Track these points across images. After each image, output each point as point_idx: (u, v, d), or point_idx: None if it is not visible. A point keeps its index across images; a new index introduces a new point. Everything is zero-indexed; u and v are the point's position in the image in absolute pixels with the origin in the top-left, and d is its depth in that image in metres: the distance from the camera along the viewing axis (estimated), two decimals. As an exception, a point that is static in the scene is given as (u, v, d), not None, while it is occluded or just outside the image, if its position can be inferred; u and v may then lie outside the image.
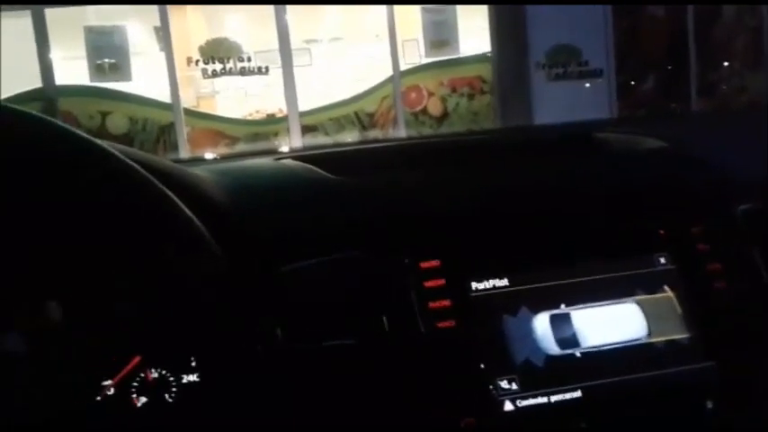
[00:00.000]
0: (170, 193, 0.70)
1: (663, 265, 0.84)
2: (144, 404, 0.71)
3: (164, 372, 0.72)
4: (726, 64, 7.90)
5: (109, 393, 0.71)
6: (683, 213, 0.88)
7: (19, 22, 6.03)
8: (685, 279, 0.83)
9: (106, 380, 0.71)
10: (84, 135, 0.68)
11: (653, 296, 0.82)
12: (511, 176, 0.95)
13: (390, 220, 0.84)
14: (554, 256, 0.83)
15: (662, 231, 0.85)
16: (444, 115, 7.29)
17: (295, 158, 1.00)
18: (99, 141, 0.69)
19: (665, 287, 0.83)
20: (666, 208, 0.89)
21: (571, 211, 0.88)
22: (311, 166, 0.94)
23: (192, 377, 0.72)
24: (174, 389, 0.72)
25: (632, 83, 7.65)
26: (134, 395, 0.71)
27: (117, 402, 0.71)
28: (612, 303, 0.81)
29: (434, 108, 7.27)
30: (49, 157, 0.66)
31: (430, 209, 0.86)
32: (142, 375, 0.72)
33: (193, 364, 0.72)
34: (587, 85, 7.28)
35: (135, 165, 0.69)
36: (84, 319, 0.71)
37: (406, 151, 1.24)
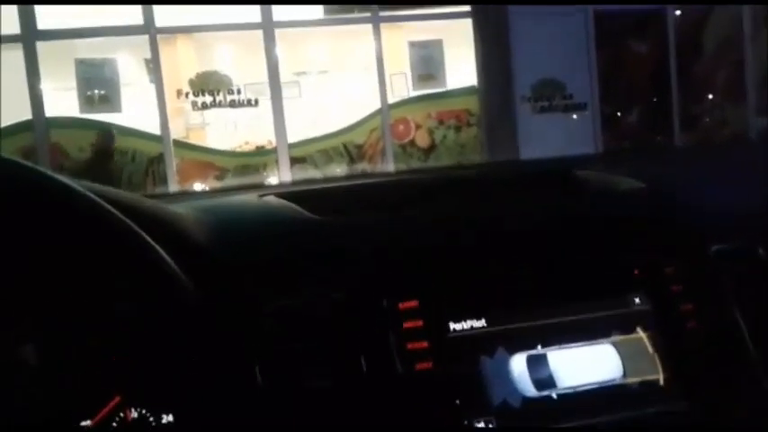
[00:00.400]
0: (136, 228, 0.69)
1: (637, 305, 0.84)
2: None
3: (143, 411, 0.71)
4: (708, 97, 8.03)
5: None
6: (656, 253, 0.88)
7: (10, 54, 6.08)
8: (659, 319, 0.84)
9: (85, 420, 0.71)
10: (42, 170, 0.67)
11: (628, 336, 0.82)
12: (489, 217, 0.95)
13: (370, 260, 0.84)
14: (531, 296, 0.83)
15: (636, 271, 0.86)
16: (432, 147, 7.36)
17: (278, 195, 1.01)
18: (59, 176, 0.68)
19: (640, 328, 0.83)
20: (641, 248, 0.90)
21: (548, 251, 0.88)
22: (293, 205, 0.95)
23: (171, 417, 0.72)
24: (153, 428, 0.71)
25: (616, 116, 7.76)
26: None
27: None
28: (588, 344, 0.81)
29: (422, 140, 7.34)
30: (3, 192, 0.64)
31: (409, 249, 0.87)
32: (122, 415, 0.71)
33: (172, 403, 0.71)
34: (572, 117, 7.39)
35: (98, 199, 0.68)
36: (60, 359, 0.71)
37: (388, 189, 1.24)
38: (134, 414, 0.71)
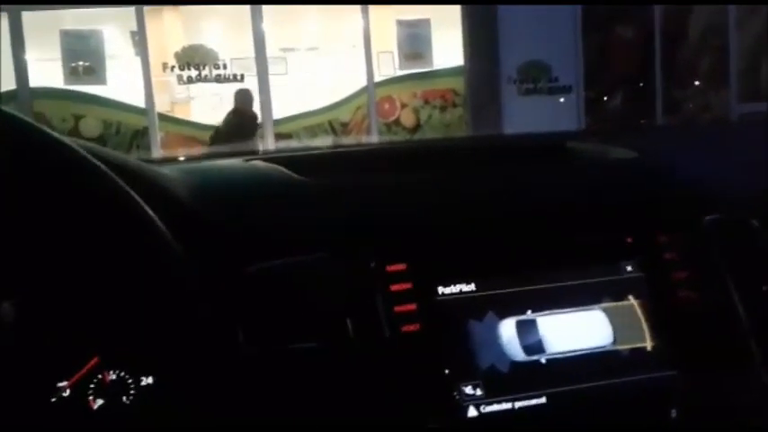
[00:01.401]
0: (129, 190, 0.67)
1: (629, 272, 0.84)
2: (100, 406, 0.69)
3: (122, 374, 0.70)
4: (691, 83, 8.10)
5: (64, 395, 0.69)
6: (650, 222, 0.88)
7: (-6, 24, 6.05)
8: (651, 287, 0.84)
9: (62, 381, 0.69)
10: (37, 125, 0.65)
11: (619, 303, 0.82)
12: (480, 182, 0.95)
13: (358, 223, 0.83)
14: (521, 262, 0.82)
15: (629, 239, 0.86)
16: (417, 126, 7.40)
17: (264, 160, 1.00)
18: (53, 132, 0.67)
19: (631, 295, 0.83)
20: (634, 216, 0.90)
21: (539, 217, 0.88)
22: (280, 167, 0.94)
23: (151, 379, 0.70)
24: (131, 391, 0.70)
25: (600, 99, 7.83)
26: (90, 397, 0.69)
27: (72, 404, 0.69)
28: (578, 310, 0.81)
29: (407, 119, 7.39)
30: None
31: (398, 212, 0.86)
32: (99, 377, 0.69)
33: (152, 365, 0.70)
34: (557, 100, 7.43)
35: (92, 158, 0.66)
36: (37, 317, 0.69)
37: (376, 155, 1.23)
38: (112, 376, 0.70)
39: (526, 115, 7.08)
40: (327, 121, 7.30)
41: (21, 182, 0.64)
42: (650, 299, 0.83)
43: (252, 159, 1.02)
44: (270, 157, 1.01)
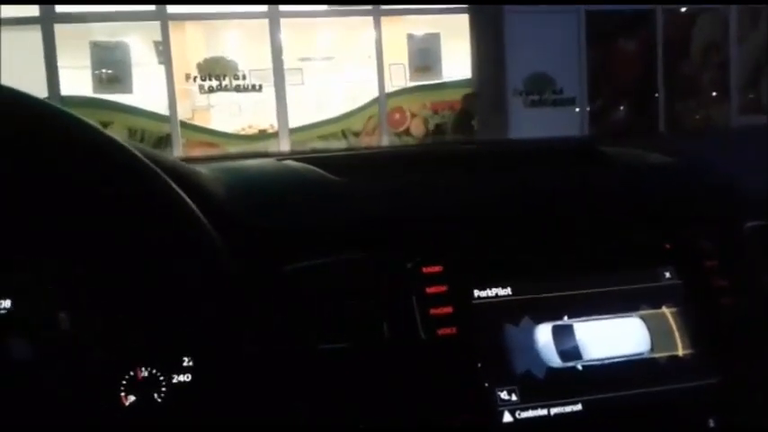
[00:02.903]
0: (176, 187, 0.68)
1: (668, 279, 0.82)
2: (132, 403, 0.68)
3: (154, 371, 0.68)
4: (693, 96, 8.30)
5: (98, 392, 0.68)
6: (690, 228, 0.86)
7: (28, 35, 6.39)
8: (690, 294, 0.82)
9: (97, 378, 0.68)
10: (100, 128, 0.66)
11: (657, 311, 0.81)
12: (518, 186, 0.93)
13: (394, 224, 0.82)
14: (558, 266, 0.81)
15: (668, 245, 0.84)
16: (426, 136, 7.64)
17: (298, 160, 0.98)
18: (114, 136, 0.68)
19: (669, 302, 0.81)
20: (673, 222, 0.88)
21: (577, 222, 0.86)
22: (314, 167, 0.92)
23: (184, 377, 0.69)
24: (164, 388, 0.68)
25: (603, 111, 8.05)
26: (122, 394, 0.68)
27: (105, 401, 0.68)
28: (616, 317, 0.79)
29: (417, 129, 7.64)
30: (41, 134, 0.63)
31: (435, 214, 0.85)
32: (132, 374, 0.68)
33: (186, 363, 0.69)
34: (561, 111, 7.67)
35: (139, 154, 0.67)
36: (90, 323, 0.68)
37: (411, 157, 1.21)
38: (144, 373, 0.69)
39: (531, 126, 7.32)
40: (341, 130, 7.56)
41: (83, 181, 0.65)
42: (689, 306, 0.81)
43: (284, 159, 1.01)
44: (303, 158, 0.99)
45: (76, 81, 6.78)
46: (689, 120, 8.25)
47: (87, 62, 6.81)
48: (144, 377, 0.69)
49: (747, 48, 8.05)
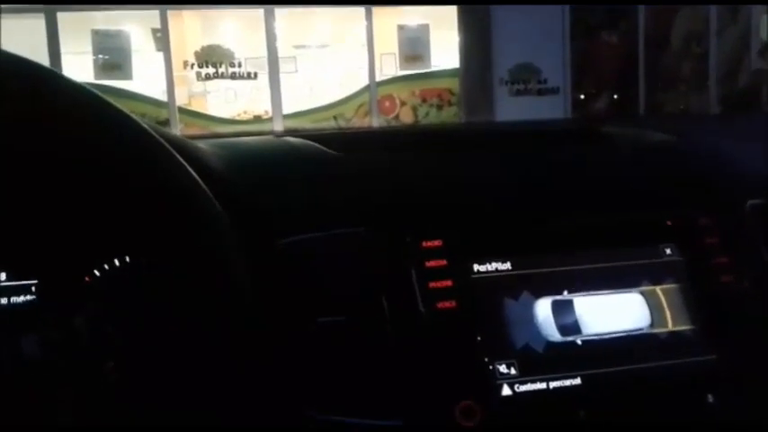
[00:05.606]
0: (184, 162, 0.67)
1: (669, 255, 0.82)
2: (121, 374, 0.67)
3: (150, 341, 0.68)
4: (672, 86, 8.53)
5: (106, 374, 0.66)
6: (691, 205, 0.86)
7: (32, 23, 6.61)
8: (691, 271, 0.82)
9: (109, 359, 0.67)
10: (114, 103, 0.65)
11: (657, 287, 0.81)
12: (518, 163, 0.93)
13: (393, 198, 0.82)
14: (558, 241, 0.81)
15: (669, 222, 0.84)
16: (415, 123, 7.88)
17: (297, 137, 0.98)
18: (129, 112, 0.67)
19: (670, 279, 0.81)
20: (675, 199, 0.88)
21: (578, 198, 0.86)
22: (314, 143, 0.92)
23: (178, 349, 0.67)
24: (153, 363, 0.67)
25: (586, 101, 8.31)
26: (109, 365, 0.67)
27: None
28: (616, 292, 0.80)
29: (406, 116, 7.88)
30: (52, 106, 0.62)
31: (434, 189, 0.85)
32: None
33: (183, 335, 0.67)
34: (546, 100, 7.90)
35: (150, 130, 0.67)
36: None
37: (410, 134, 1.19)
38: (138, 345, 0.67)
39: (517, 114, 7.53)
40: (333, 116, 7.78)
41: (97, 155, 0.65)
42: (689, 282, 0.82)
43: (283, 135, 1.00)
44: (302, 135, 0.98)
45: (78, 67, 6.97)
46: (669, 108, 8.48)
47: (89, 49, 7.03)
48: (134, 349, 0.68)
49: (726, 41, 8.27)
